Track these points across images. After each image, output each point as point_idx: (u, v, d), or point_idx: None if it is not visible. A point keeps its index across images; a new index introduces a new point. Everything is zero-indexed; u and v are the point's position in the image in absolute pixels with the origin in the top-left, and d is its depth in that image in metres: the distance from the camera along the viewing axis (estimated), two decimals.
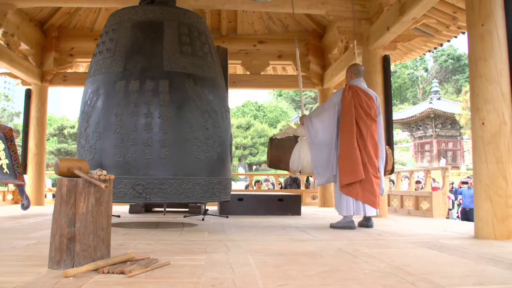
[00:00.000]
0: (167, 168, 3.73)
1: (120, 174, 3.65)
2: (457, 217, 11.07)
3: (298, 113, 41.27)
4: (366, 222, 4.40)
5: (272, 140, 4.76)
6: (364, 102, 4.36)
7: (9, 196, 7.90)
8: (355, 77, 4.58)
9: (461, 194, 10.77)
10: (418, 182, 10.60)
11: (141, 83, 3.79)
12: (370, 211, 4.27)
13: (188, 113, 3.85)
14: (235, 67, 9.08)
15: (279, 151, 4.66)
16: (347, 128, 4.30)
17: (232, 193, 4.50)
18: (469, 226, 4.47)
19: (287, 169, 4.74)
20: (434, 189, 6.82)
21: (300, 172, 4.69)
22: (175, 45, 3.98)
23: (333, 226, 4.39)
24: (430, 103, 29.01)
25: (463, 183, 11.09)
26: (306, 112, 4.92)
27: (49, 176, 11.26)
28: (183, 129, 3.80)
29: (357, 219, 4.45)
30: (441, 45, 7.15)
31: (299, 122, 4.80)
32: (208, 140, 3.91)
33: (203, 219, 5.13)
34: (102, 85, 3.93)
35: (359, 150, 4.23)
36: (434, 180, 10.92)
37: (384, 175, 4.60)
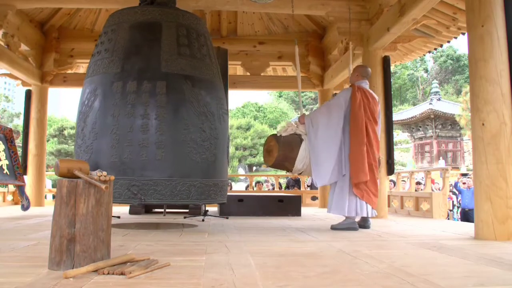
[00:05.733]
0: (163, 170, 3.73)
1: (116, 174, 3.64)
2: (458, 208, 11.02)
3: (298, 114, 41.24)
4: (364, 223, 4.41)
5: (278, 138, 4.48)
6: (371, 104, 4.40)
7: (9, 197, 7.89)
8: (361, 79, 4.58)
9: (460, 192, 10.75)
10: (418, 183, 10.59)
11: (138, 84, 3.79)
12: (371, 212, 4.30)
13: (185, 115, 3.84)
14: (235, 68, 9.08)
15: (286, 149, 4.41)
16: (358, 129, 4.28)
17: (232, 194, 4.50)
18: (469, 227, 4.47)
19: (290, 168, 4.50)
20: None
21: (301, 173, 4.58)
22: (173, 47, 3.98)
23: (334, 228, 4.36)
24: (430, 104, 28.97)
25: (463, 175, 11.10)
26: (304, 112, 4.87)
27: (49, 177, 11.26)
28: (180, 131, 3.80)
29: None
30: (441, 46, 7.15)
31: (298, 121, 4.66)
32: (204, 142, 3.91)
33: (203, 220, 5.12)
34: (99, 85, 3.93)
35: (366, 152, 4.27)
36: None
37: None
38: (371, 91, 4.55)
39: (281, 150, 4.40)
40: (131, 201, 3.72)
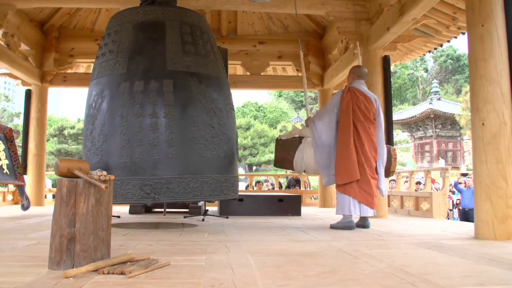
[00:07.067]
0: (174, 168, 3.74)
1: (128, 175, 3.65)
2: (457, 208, 11.04)
3: (298, 113, 41.24)
4: (362, 222, 4.41)
5: (278, 141, 4.91)
6: (362, 104, 4.39)
7: (9, 197, 7.89)
8: (356, 79, 4.62)
9: (460, 192, 10.75)
10: (418, 183, 10.60)
11: (145, 84, 3.80)
12: (367, 212, 4.28)
13: (194, 112, 3.85)
14: (235, 68, 9.08)
15: (283, 151, 4.81)
16: (344, 129, 4.35)
17: None
18: (469, 227, 4.47)
19: (291, 168, 4.89)
20: None
21: (304, 171, 4.81)
22: (178, 45, 3.98)
23: (333, 227, 4.39)
24: (430, 103, 28.96)
25: (463, 175, 11.13)
26: (309, 114, 4.96)
27: (49, 176, 11.28)
28: (189, 128, 3.81)
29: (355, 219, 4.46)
30: (441, 45, 7.15)
31: (304, 123, 4.86)
32: (214, 138, 3.92)
33: (203, 220, 5.13)
34: (106, 87, 3.93)
35: (356, 151, 4.27)
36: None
37: (388, 176, 4.67)
38: (365, 91, 4.54)
39: (278, 153, 4.89)
40: (145, 201, 3.71)
